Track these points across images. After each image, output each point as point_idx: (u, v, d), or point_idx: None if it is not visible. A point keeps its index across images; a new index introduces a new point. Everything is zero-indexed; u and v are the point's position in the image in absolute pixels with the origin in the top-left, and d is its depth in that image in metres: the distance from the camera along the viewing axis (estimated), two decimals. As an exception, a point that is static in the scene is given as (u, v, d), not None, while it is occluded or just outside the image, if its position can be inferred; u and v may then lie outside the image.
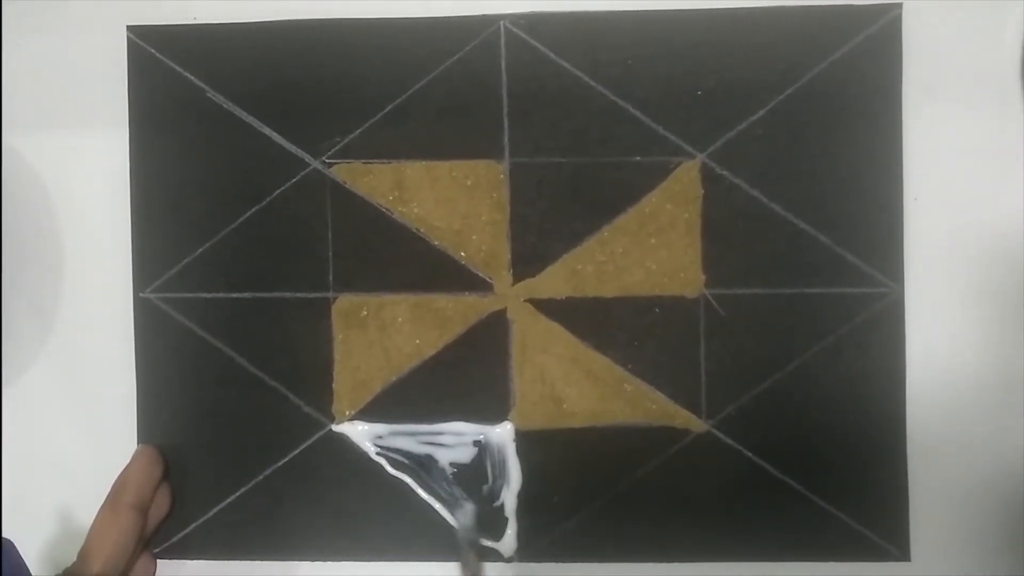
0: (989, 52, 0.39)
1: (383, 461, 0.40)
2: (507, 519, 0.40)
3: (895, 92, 0.39)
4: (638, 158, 0.39)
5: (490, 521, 0.40)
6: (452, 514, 0.40)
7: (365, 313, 0.40)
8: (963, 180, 0.39)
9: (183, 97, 0.40)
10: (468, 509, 0.39)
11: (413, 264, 0.40)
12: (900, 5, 0.39)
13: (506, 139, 0.40)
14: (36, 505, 0.41)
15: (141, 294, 0.41)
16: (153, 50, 0.40)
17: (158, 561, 0.41)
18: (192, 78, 0.40)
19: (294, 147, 0.40)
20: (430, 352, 0.40)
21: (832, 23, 0.39)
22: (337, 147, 0.40)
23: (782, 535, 0.39)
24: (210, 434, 0.41)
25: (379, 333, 0.40)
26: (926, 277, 0.39)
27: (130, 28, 0.41)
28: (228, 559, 0.41)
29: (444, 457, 0.40)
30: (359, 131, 0.40)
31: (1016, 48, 0.39)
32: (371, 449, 0.40)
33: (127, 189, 0.41)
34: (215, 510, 0.41)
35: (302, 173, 0.40)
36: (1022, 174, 0.39)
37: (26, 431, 0.42)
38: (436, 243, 0.40)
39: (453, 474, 0.40)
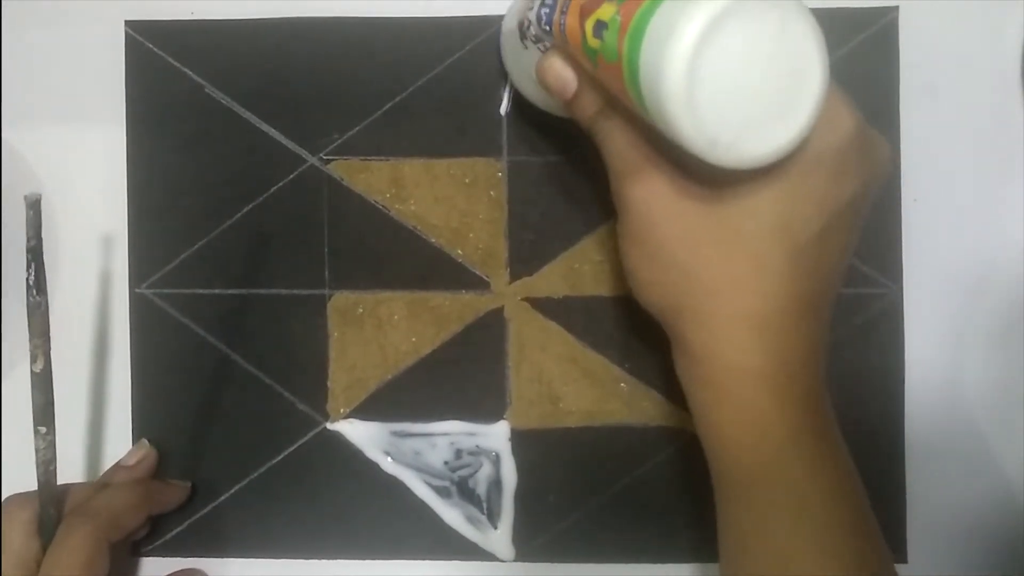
0: (987, 53, 0.39)
1: (378, 459, 0.40)
2: (502, 519, 0.40)
3: (893, 94, 0.39)
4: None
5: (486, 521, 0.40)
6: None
7: (361, 310, 0.40)
8: (962, 181, 0.39)
9: (181, 93, 0.40)
10: None
11: (410, 262, 0.40)
12: (896, 8, 0.39)
13: (504, 137, 0.40)
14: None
15: (137, 289, 0.41)
16: (151, 45, 0.40)
17: (153, 559, 0.40)
18: (190, 74, 0.40)
19: (292, 143, 0.40)
20: (426, 350, 0.40)
21: (829, 26, 0.38)
22: (335, 144, 0.40)
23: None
24: (204, 431, 0.40)
25: (375, 331, 0.40)
26: (925, 278, 0.39)
27: (128, 23, 0.40)
28: (222, 557, 0.40)
29: (439, 456, 0.40)
30: (357, 128, 0.40)
31: (1015, 49, 0.39)
32: (366, 447, 0.40)
33: (124, 184, 0.41)
34: (209, 507, 0.40)
35: (299, 170, 0.40)
36: (1021, 175, 0.39)
37: (19, 427, 0.41)
38: (433, 241, 0.40)
39: (448, 473, 0.40)
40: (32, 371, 0.33)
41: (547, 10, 0.31)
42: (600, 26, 0.26)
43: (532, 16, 0.32)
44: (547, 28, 0.31)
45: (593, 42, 0.27)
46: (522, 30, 0.34)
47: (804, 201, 0.26)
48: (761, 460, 0.28)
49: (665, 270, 0.28)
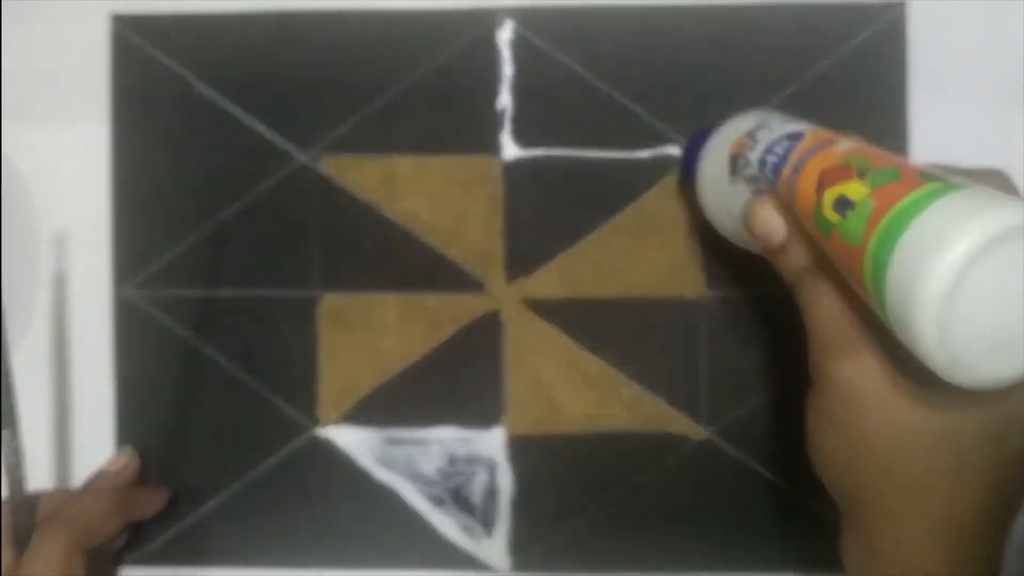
0: (995, 48, 0.38)
1: (369, 466, 0.39)
2: (498, 528, 0.39)
3: (900, 89, 0.38)
4: (637, 154, 0.39)
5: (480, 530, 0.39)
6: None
7: (353, 312, 0.39)
8: (972, 178, 0.38)
9: (168, 88, 0.40)
10: None
11: (403, 262, 0.39)
12: (904, 3, 0.38)
13: (500, 134, 0.39)
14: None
15: (120, 291, 0.40)
16: (137, 39, 0.40)
17: (136, 569, 0.40)
18: (177, 68, 0.40)
19: (281, 140, 0.39)
20: (420, 354, 0.39)
21: (836, 20, 0.39)
22: (326, 140, 0.39)
23: (783, 545, 0.38)
24: (190, 436, 0.39)
25: (367, 333, 0.39)
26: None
27: (114, 17, 0.40)
28: (208, 566, 0.39)
29: (433, 463, 0.39)
30: (349, 124, 0.39)
31: (1023, 43, 0.38)
32: (357, 454, 0.39)
33: (108, 182, 0.40)
34: (193, 516, 0.39)
35: (289, 167, 0.39)
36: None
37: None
38: (427, 241, 0.39)
39: (442, 481, 0.39)
40: None
41: (774, 159, 0.29)
42: (844, 203, 0.25)
43: (753, 157, 0.31)
44: (771, 177, 0.29)
45: (831, 215, 0.25)
46: (735, 164, 0.32)
47: (1019, 419, 0.25)
48: None
49: (860, 456, 0.27)
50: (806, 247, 0.28)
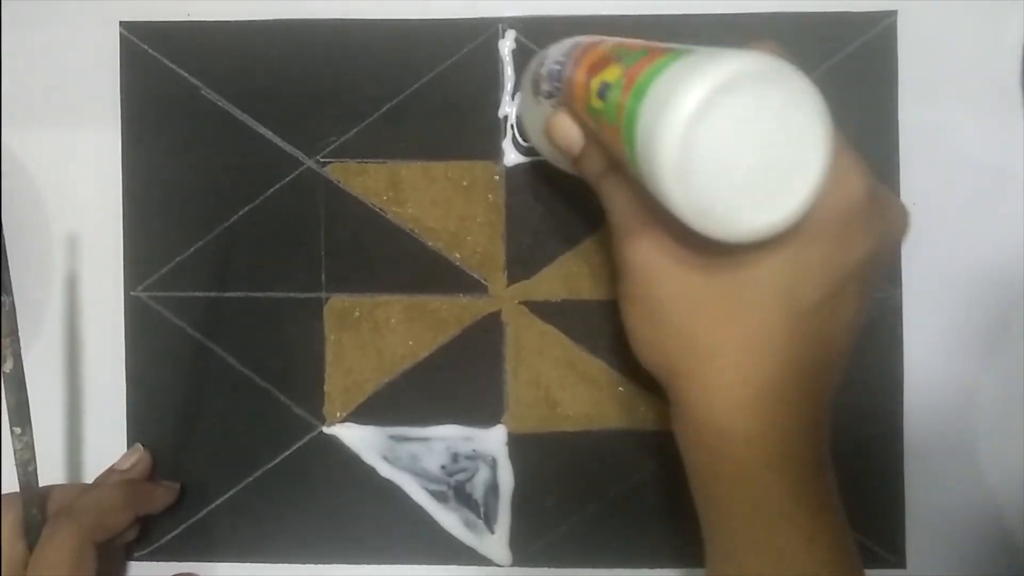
0: (986, 58, 0.39)
1: (375, 464, 0.40)
2: (499, 524, 0.40)
3: (891, 97, 0.39)
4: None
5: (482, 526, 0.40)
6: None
7: (358, 314, 0.40)
8: (960, 185, 0.39)
9: (176, 94, 0.40)
10: None
11: (407, 265, 0.40)
12: (895, 12, 0.39)
13: (503, 140, 0.40)
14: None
15: (132, 292, 0.40)
16: (146, 47, 0.40)
17: (147, 563, 0.40)
18: (186, 75, 0.40)
19: (288, 146, 0.40)
20: (423, 354, 0.40)
21: (827, 30, 0.39)
22: (332, 146, 0.40)
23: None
24: (200, 434, 0.40)
25: (372, 334, 0.40)
26: (924, 281, 0.39)
27: (123, 24, 0.40)
28: (218, 561, 0.40)
29: (436, 460, 0.40)
30: (355, 130, 0.40)
31: (1014, 52, 0.39)
32: (363, 451, 0.40)
33: (119, 186, 0.40)
34: (204, 511, 0.40)
35: (296, 172, 0.40)
36: (1020, 178, 0.39)
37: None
38: (430, 244, 0.40)
39: (445, 477, 0.40)
40: (3, 372, 0.33)
41: (558, 67, 0.30)
42: (605, 87, 0.26)
43: (544, 72, 0.32)
44: (557, 85, 0.30)
45: (597, 103, 0.26)
46: (535, 84, 0.33)
47: (807, 268, 0.26)
48: (754, 532, 0.28)
49: (664, 331, 0.28)
50: (601, 152, 0.29)
